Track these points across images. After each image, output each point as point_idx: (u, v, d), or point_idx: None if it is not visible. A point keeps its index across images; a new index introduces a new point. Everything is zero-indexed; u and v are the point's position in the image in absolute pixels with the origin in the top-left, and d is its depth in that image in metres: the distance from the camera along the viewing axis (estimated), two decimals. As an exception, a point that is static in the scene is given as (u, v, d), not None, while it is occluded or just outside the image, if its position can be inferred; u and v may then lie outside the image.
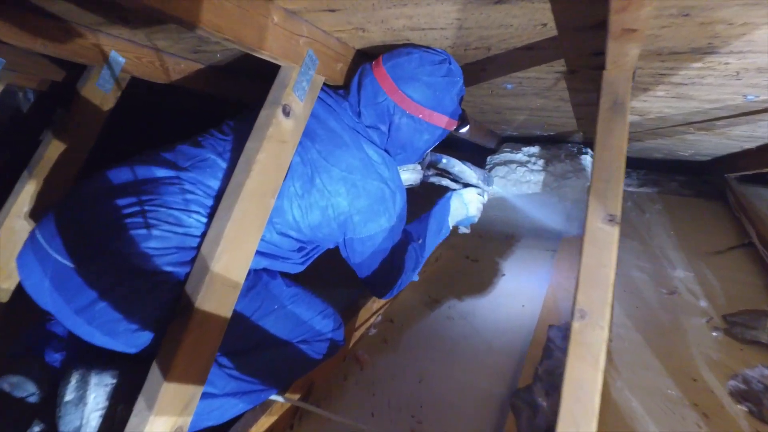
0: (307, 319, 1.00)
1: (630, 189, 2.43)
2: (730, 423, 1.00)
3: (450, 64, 0.98)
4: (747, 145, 1.77)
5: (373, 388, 1.16)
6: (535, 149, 2.33)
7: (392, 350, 1.29)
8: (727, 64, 0.83)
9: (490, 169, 2.34)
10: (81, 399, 0.79)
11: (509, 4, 0.69)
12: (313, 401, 1.10)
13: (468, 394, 1.13)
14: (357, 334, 1.31)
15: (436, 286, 1.58)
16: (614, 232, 0.58)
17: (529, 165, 2.22)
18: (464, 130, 1.09)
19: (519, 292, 1.53)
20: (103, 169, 0.90)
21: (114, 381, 0.84)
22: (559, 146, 2.39)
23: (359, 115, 1.00)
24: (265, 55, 0.83)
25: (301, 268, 1.03)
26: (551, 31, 0.80)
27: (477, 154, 2.46)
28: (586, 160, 2.16)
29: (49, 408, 0.84)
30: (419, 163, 1.20)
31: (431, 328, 1.36)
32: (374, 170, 0.97)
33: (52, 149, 1.11)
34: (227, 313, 0.81)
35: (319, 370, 1.12)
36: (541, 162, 2.21)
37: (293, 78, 0.89)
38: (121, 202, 0.80)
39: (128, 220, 0.79)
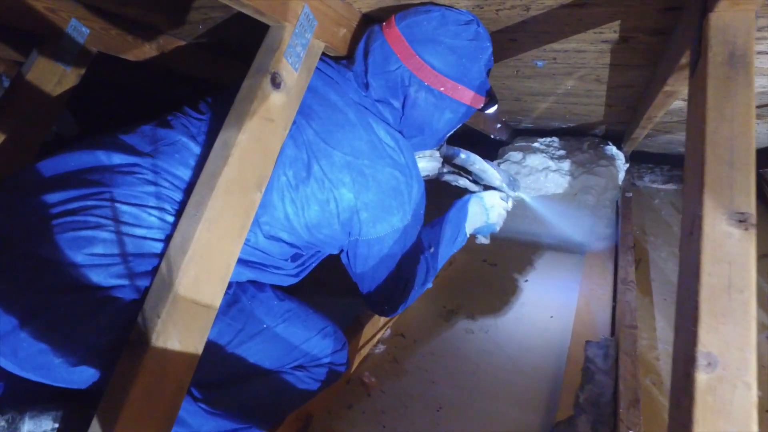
0: (302, 341, 0.82)
1: (655, 186, 2.26)
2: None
3: (478, 26, 0.80)
4: (796, 136, 1.58)
5: (382, 418, 0.98)
6: (553, 139, 2.15)
7: (404, 372, 1.11)
8: None
9: (502, 155, 2.15)
10: None
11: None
12: (310, 437, 0.92)
13: (495, 425, 0.95)
14: (363, 352, 1.13)
15: (452, 294, 1.40)
16: (750, 238, 0.40)
17: (548, 152, 2.02)
18: (492, 110, 0.89)
19: (545, 301, 1.35)
20: (54, 156, 0.70)
21: (55, 426, 0.66)
22: (578, 138, 2.21)
23: (366, 87, 0.81)
24: (247, 9, 0.65)
25: (295, 281, 0.84)
26: (620, -27, 0.62)
27: (486, 147, 2.27)
28: (612, 150, 1.97)
29: None
30: (437, 150, 1.01)
31: (448, 344, 1.18)
32: (386, 154, 0.78)
33: (-4, 134, 0.93)
34: (199, 341, 0.63)
35: (318, 399, 0.94)
36: (561, 152, 2.03)
37: (285, 40, 0.70)
38: (54, 197, 0.61)
39: (63, 220, 0.60)
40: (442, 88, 0.79)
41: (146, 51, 1.21)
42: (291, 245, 0.79)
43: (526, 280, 1.45)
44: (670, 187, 2.28)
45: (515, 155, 2.10)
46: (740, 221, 0.40)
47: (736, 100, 0.44)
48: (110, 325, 0.60)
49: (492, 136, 2.23)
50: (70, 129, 2.60)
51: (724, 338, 0.37)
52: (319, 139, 0.75)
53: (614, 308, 1.25)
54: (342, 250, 0.87)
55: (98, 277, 0.59)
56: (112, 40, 1.11)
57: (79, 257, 0.59)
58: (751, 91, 0.44)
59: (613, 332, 1.17)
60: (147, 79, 2.01)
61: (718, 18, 0.47)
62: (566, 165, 1.99)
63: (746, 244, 0.40)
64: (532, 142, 2.13)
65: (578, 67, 1.13)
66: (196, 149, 0.72)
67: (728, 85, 0.44)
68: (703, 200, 0.42)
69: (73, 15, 1.01)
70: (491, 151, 2.22)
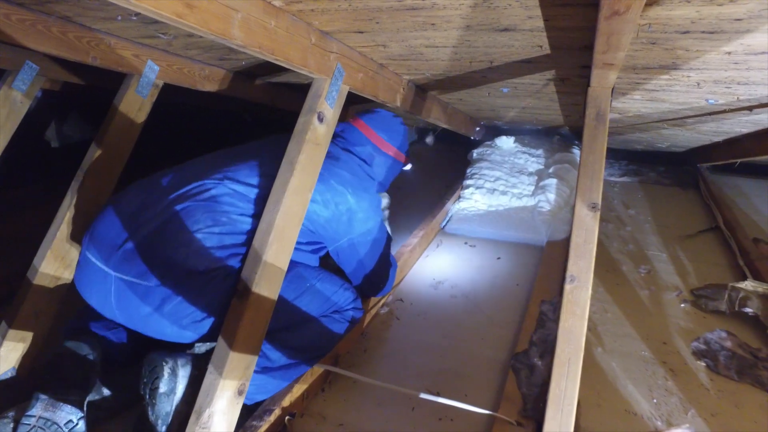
0: (332, 293, 1.16)
1: (612, 179, 2.62)
2: (692, 375, 1.20)
3: (400, 118, 1.39)
4: (716, 139, 1.97)
5: (391, 357, 1.33)
6: (525, 136, 2.49)
7: (404, 326, 1.45)
8: (689, 77, 1.00)
9: (479, 145, 2.45)
10: (172, 390, 0.91)
11: (513, 32, 0.85)
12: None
13: (474, 360, 1.31)
14: (372, 312, 1.48)
15: (440, 268, 1.75)
16: (596, 216, 0.75)
17: (519, 141, 2.37)
18: (408, 167, 1.55)
19: (513, 273, 1.71)
20: (140, 181, 1.07)
21: (194, 372, 0.96)
22: (548, 135, 2.55)
23: (353, 146, 1.31)
24: (304, 71, 0.97)
25: (315, 258, 1.23)
26: (546, 51, 0.96)
27: (467, 145, 2.61)
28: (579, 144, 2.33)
29: (104, 367, 1.01)
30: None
31: (438, 306, 1.53)
32: (366, 180, 1.28)
33: (100, 150, 1.23)
34: (276, 293, 0.96)
35: (342, 344, 1.28)
36: (533, 142, 2.38)
37: (325, 89, 1.03)
38: (169, 210, 0.96)
39: (182, 226, 0.94)
40: (390, 152, 1.34)
41: (197, 80, 1.52)
42: (312, 232, 1.16)
43: (499, 258, 1.81)
44: (626, 180, 2.65)
45: (488, 142, 2.43)
46: (592, 208, 0.75)
47: (598, 141, 0.78)
48: (222, 291, 0.94)
49: (472, 138, 2.58)
50: (85, 134, 2.88)
51: (579, 267, 0.72)
52: (333, 167, 1.17)
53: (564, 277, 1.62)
54: (336, 252, 1.23)
55: (210, 261, 0.94)
56: (174, 74, 1.42)
57: (194, 250, 0.93)
58: (605, 136, 0.78)
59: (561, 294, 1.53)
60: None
61: (592, 90, 0.81)
62: (537, 151, 2.33)
63: (594, 220, 0.75)
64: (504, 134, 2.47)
65: (534, 92, 1.47)
66: (253, 174, 1.07)
67: (594, 133, 0.79)
68: (577, 196, 0.77)
69: (149, 57, 1.32)
70: (471, 147, 2.54)
